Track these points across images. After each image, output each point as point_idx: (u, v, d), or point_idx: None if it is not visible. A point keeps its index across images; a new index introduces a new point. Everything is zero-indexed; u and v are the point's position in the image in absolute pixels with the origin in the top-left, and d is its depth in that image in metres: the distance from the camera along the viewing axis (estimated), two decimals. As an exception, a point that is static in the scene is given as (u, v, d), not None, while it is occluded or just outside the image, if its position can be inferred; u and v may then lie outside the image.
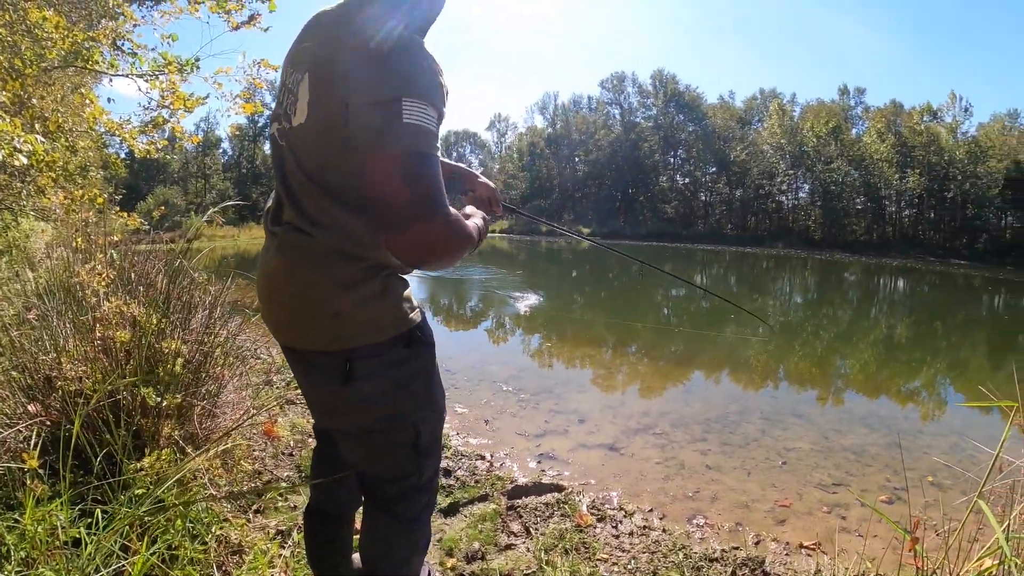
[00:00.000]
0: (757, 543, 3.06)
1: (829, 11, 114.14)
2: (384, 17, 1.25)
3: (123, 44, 4.86)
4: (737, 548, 2.89)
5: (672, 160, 69.52)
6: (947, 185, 56.55)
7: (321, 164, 1.32)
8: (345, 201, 1.32)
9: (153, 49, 4.88)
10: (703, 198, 68.26)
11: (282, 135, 1.41)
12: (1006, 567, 1.16)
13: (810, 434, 4.88)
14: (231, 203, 2.98)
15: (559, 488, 3.39)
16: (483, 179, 1.90)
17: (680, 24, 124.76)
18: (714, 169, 65.97)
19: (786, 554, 2.93)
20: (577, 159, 72.43)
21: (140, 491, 1.59)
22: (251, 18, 4.77)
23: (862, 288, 23.39)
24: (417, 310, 1.49)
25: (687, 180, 68.55)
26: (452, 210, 1.29)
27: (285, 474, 2.80)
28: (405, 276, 1.52)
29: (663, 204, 67.84)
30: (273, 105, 1.54)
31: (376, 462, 1.57)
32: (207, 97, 4.98)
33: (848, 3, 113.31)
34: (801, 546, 3.04)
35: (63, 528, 1.32)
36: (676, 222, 64.60)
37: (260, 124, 61.46)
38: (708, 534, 3.11)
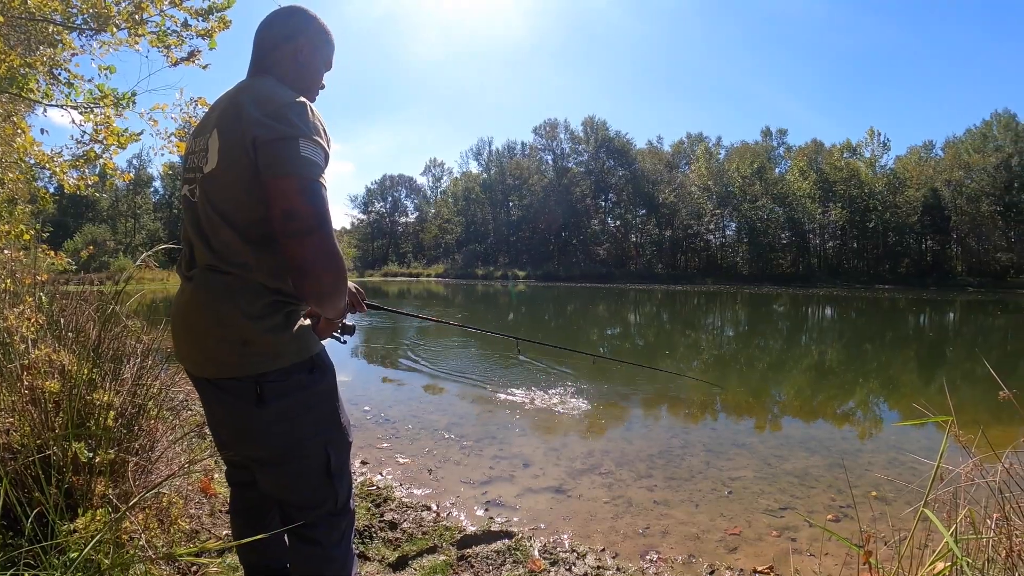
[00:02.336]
0: (712, 573, 3.08)
1: (751, 56, 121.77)
2: (278, 86, 1.55)
3: (60, 73, 4.69)
4: (691, 582, 2.91)
5: (603, 203, 71.60)
6: (868, 216, 60.48)
7: (232, 201, 1.50)
8: (254, 240, 1.51)
9: (90, 80, 4.73)
10: (634, 239, 70.35)
11: (192, 191, 1.60)
12: (959, 567, 1.22)
13: (753, 462, 4.98)
14: (163, 246, 2.87)
15: (509, 535, 3.34)
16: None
17: (610, 73, 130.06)
18: (644, 211, 68.25)
19: (740, 583, 2.96)
20: (511, 203, 73.59)
21: (74, 554, 1.48)
22: (191, 55, 4.70)
23: (792, 318, 24.39)
24: (318, 341, 1.68)
25: (618, 222, 70.63)
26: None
27: (224, 532, 2.66)
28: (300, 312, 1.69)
29: (596, 246, 69.53)
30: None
31: (293, 489, 1.67)
32: (141, 133, 4.85)
33: (769, 48, 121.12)
34: (755, 571, 3.08)
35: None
36: (609, 263, 66.22)
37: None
38: (663, 569, 3.11)
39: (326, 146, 1.51)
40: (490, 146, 77.59)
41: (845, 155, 63.92)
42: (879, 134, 63.72)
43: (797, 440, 5.68)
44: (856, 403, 8.13)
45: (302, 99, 1.51)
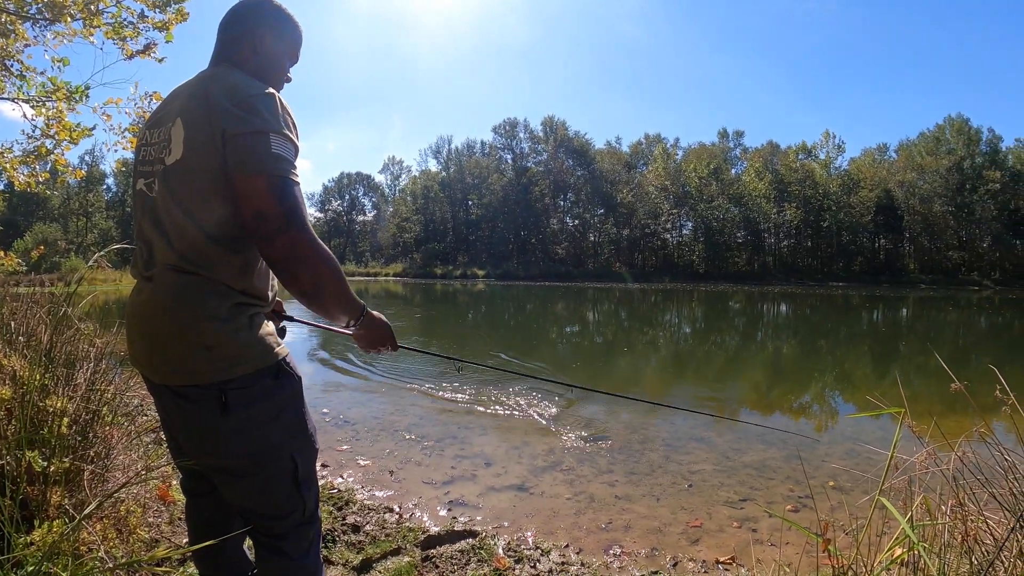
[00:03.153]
0: (675, 565, 3.16)
1: (710, 58, 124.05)
2: (246, 76, 1.51)
3: (11, 65, 4.51)
4: (656, 572, 2.99)
5: (562, 203, 72.06)
6: (823, 215, 62.39)
7: (198, 194, 1.45)
8: (219, 237, 1.46)
9: (43, 72, 4.55)
10: (592, 238, 70.94)
11: (149, 185, 1.54)
12: (915, 552, 1.28)
13: (712, 456, 5.11)
14: (116, 246, 2.80)
15: (473, 534, 3.36)
16: None
17: (570, 74, 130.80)
18: (602, 211, 68.91)
19: (704, 572, 3.05)
20: (470, 202, 73.43)
21: (31, 567, 1.45)
22: (147, 47, 4.57)
23: (748, 315, 24.94)
24: (283, 346, 1.61)
25: (577, 222, 71.16)
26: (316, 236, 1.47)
27: (184, 540, 2.61)
28: (267, 314, 1.65)
29: (554, 245, 69.92)
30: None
31: (260, 500, 1.61)
32: (94, 128, 4.70)
33: (727, 49, 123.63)
34: (718, 562, 3.16)
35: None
36: (567, 262, 66.64)
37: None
38: (626, 562, 3.17)
39: (296, 140, 1.48)
40: (449, 144, 77.36)
41: (800, 156, 65.71)
42: (834, 136, 65.71)
43: (755, 433, 5.84)
44: (812, 397, 8.38)
45: (271, 90, 1.47)
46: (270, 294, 1.64)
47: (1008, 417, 1.59)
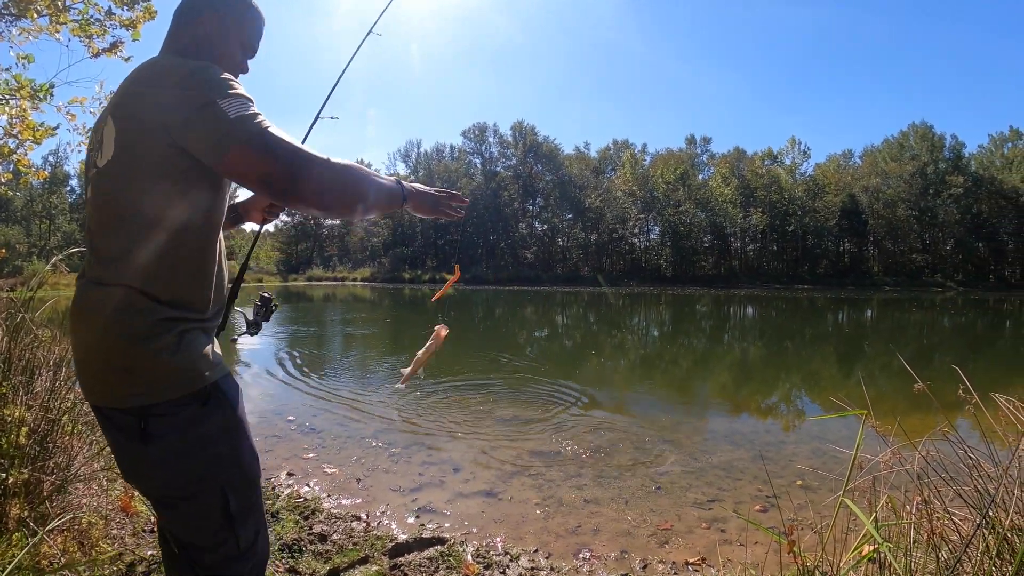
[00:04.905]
0: (644, 567, 3.17)
1: (677, 65, 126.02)
2: (177, 58, 1.43)
3: None
4: (626, 575, 3.00)
5: (531, 207, 72.38)
6: (788, 220, 63.73)
7: (130, 194, 1.34)
8: (151, 241, 1.34)
9: (7, 69, 4.41)
10: (561, 243, 71.33)
11: (90, 187, 1.44)
12: (881, 552, 1.31)
13: (680, 457, 5.15)
14: (77, 249, 2.73)
15: (441, 541, 3.33)
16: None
17: (540, 79, 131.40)
18: (571, 215, 69.35)
19: (674, 573, 3.08)
20: (439, 206, 73.02)
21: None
22: (113, 45, 4.47)
23: (714, 317, 25.31)
24: (218, 367, 1.45)
25: (545, 226, 71.52)
26: (319, 154, 1.35)
27: (148, 553, 2.54)
28: (213, 328, 1.51)
29: (523, 249, 70.12)
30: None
31: (188, 529, 1.50)
32: (57, 127, 4.57)
33: (694, 57, 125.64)
34: (687, 563, 3.19)
35: None
36: (536, 266, 66.87)
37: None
38: (596, 566, 3.17)
39: (244, 91, 1.34)
40: (418, 148, 77.03)
41: (766, 163, 67.06)
42: (800, 143, 67.21)
43: (722, 435, 5.92)
44: (778, 398, 8.53)
45: (205, 63, 1.36)
46: (209, 304, 1.48)
47: (971, 415, 1.64)
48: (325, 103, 2.16)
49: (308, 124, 2.12)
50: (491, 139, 73.64)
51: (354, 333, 16.36)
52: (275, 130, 1.30)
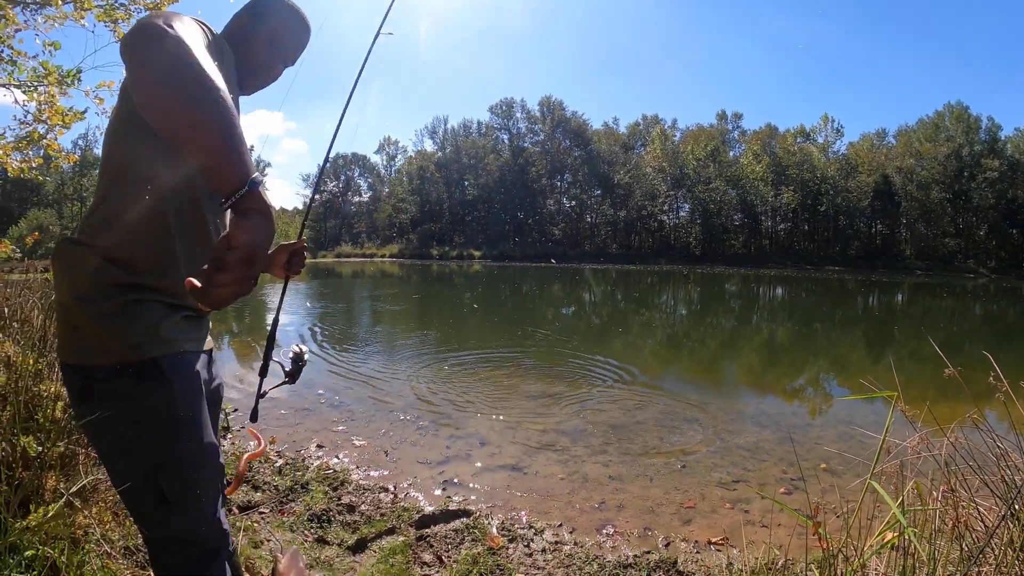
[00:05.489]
0: (667, 545, 3.19)
1: (709, 40, 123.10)
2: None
3: (2, 50, 4.45)
4: (649, 552, 3.01)
5: (559, 183, 71.90)
6: (820, 199, 62.42)
7: (105, 151, 1.35)
8: (111, 195, 1.33)
9: (34, 57, 4.48)
10: (589, 220, 70.85)
11: None
12: (905, 537, 1.29)
13: (706, 437, 5.14)
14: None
15: (467, 513, 3.38)
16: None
17: (569, 54, 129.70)
18: (599, 192, 68.78)
19: (696, 552, 3.08)
20: (467, 183, 73.17)
21: (29, 552, 1.45)
22: None
23: (743, 297, 25.04)
24: (166, 344, 1.37)
25: (573, 203, 71.03)
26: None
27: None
28: (173, 304, 1.41)
29: (551, 226, 69.78)
30: None
31: (127, 499, 1.44)
32: (86, 111, 4.65)
33: (726, 31, 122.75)
34: (710, 542, 3.19)
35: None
36: (564, 243, 66.58)
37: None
38: (619, 542, 3.20)
39: (182, 24, 1.14)
40: (445, 124, 76.94)
41: (799, 140, 65.58)
42: (833, 120, 65.58)
43: (749, 416, 5.87)
44: (806, 380, 8.43)
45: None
46: (165, 278, 1.38)
47: (1001, 404, 1.59)
48: (384, 20, 1.98)
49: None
50: (519, 115, 73.23)
51: (383, 309, 16.53)
52: (174, 34, 1.07)
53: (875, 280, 37.85)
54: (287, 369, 1.82)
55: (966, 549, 1.37)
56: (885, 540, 1.42)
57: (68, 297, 1.32)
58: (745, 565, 2.55)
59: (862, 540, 1.47)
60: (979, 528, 1.44)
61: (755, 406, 6.41)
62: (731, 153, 67.65)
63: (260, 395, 1.78)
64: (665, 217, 67.95)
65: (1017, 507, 1.31)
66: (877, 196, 61.19)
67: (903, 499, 1.45)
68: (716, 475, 4.25)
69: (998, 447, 1.54)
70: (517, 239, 67.28)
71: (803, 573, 1.68)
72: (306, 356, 1.92)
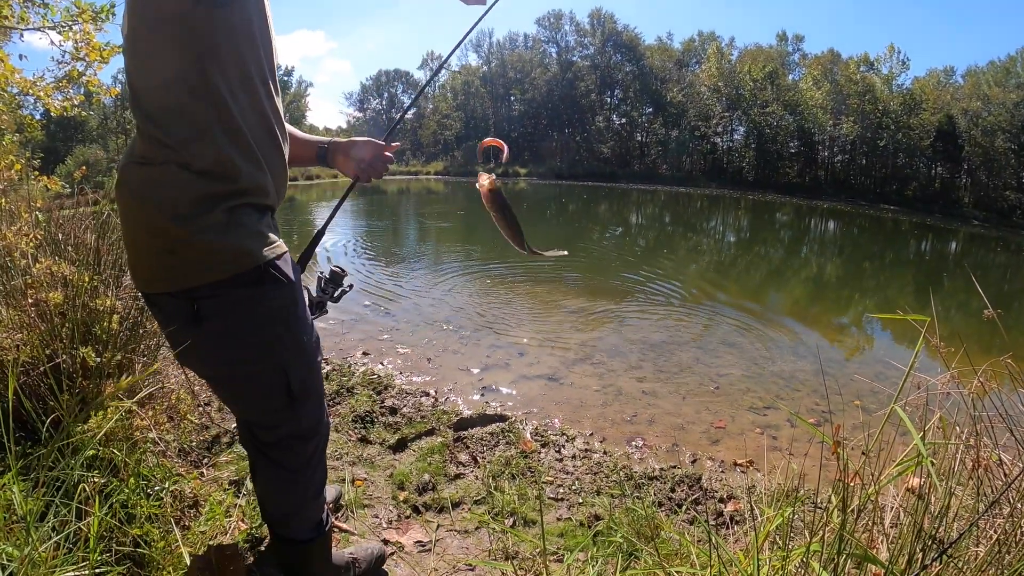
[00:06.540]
0: (694, 461, 3.27)
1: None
2: None
3: None
4: (675, 467, 3.09)
5: (609, 100, 69.42)
6: (880, 134, 58.98)
7: (157, 61, 1.26)
8: (182, 105, 1.25)
9: None
10: (639, 138, 68.69)
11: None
12: (924, 467, 1.29)
13: (741, 361, 5.14)
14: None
15: (503, 418, 3.52)
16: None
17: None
18: (651, 110, 66.30)
19: (721, 471, 3.13)
20: (513, 98, 71.35)
21: (90, 451, 1.58)
22: None
23: (794, 228, 24.34)
24: (275, 245, 1.38)
25: (623, 120, 68.72)
26: None
27: (232, 425, 2.81)
28: (268, 206, 1.42)
29: (599, 144, 67.97)
30: None
31: (248, 408, 1.53)
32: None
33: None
34: (735, 464, 3.24)
35: (18, 503, 1.29)
36: (612, 162, 65.00)
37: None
38: (647, 455, 3.29)
39: None
40: (490, 38, 74.26)
41: (862, 69, 60.99)
42: (899, 51, 60.52)
43: (787, 345, 5.81)
44: (849, 319, 8.22)
45: None
46: (259, 177, 1.36)
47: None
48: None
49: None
50: (567, 27, 69.97)
51: (429, 225, 16.66)
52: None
53: (930, 224, 35.78)
54: (312, 295, 1.80)
55: (983, 493, 1.37)
56: (904, 476, 1.41)
57: (161, 220, 1.25)
58: (767, 489, 2.58)
59: (881, 468, 1.47)
60: (999, 477, 1.41)
61: (795, 337, 6.31)
62: (790, 77, 63.61)
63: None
64: (719, 139, 65.38)
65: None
66: (939, 137, 57.02)
67: (926, 430, 1.43)
68: (748, 399, 4.28)
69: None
70: (564, 157, 66.03)
71: (824, 502, 1.69)
72: (346, 282, 1.92)
